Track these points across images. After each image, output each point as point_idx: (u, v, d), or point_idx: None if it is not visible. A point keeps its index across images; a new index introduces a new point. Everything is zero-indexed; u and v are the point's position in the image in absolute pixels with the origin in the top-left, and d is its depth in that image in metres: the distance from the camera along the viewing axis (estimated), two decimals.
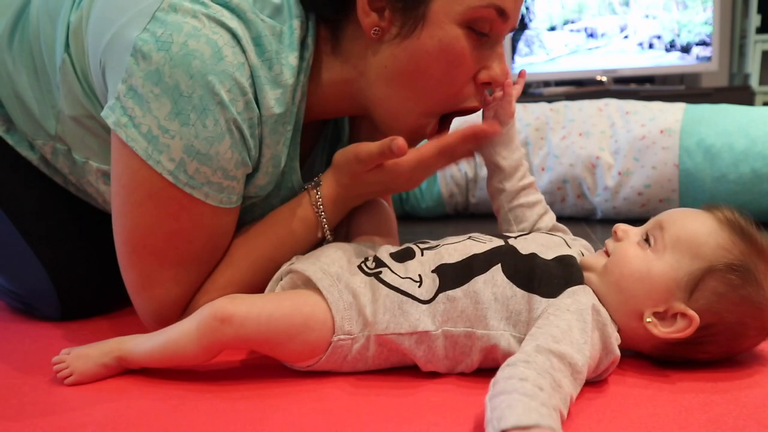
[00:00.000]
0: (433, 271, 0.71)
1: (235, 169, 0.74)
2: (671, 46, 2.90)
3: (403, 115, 0.79)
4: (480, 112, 0.85)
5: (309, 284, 0.72)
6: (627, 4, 2.89)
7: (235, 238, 0.81)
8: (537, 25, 2.96)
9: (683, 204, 1.43)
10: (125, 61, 0.69)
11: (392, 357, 0.71)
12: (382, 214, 0.89)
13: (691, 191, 1.42)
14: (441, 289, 0.69)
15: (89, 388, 0.72)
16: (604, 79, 2.92)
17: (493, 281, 0.69)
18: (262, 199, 0.82)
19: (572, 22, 2.94)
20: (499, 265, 0.70)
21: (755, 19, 3.05)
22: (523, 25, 2.94)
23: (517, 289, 0.68)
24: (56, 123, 0.84)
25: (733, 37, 3.27)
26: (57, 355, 0.73)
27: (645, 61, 2.92)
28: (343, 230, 0.88)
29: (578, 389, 0.60)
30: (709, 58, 2.88)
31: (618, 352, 0.66)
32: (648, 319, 0.67)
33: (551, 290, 0.67)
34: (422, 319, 0.68)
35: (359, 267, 0.74)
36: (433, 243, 0.78)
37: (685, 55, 2.90)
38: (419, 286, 0.70)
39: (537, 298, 0.67)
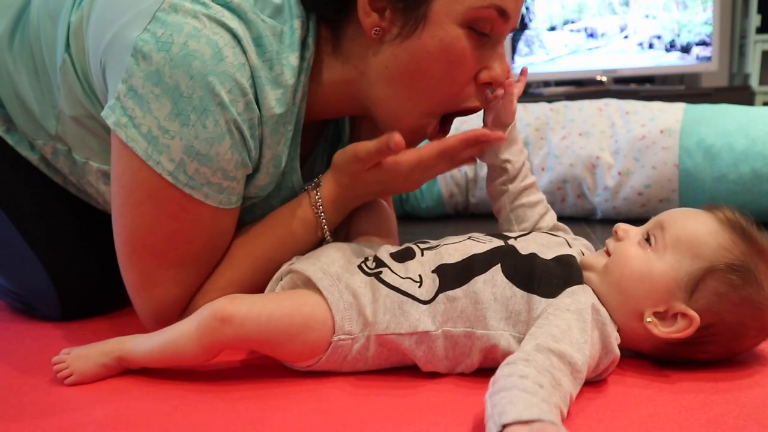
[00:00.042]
0: (433, 272, 0.71)
1: (235, 170, 0.74)
2: (671, 46, 2.90)
3: (404, 115, 0.79)
4: (481, 112, 0.85)
5: (309, 284, 0.72)
6: (627, 4, 2.89)
7: (235, 238, 0.81)
8: (537, 25, 2.96)
9: (683, 204, 1.43)
10: (125, 62, 0.69)
11: (392, 357, 0.71)
12: (381, 214, 0.89)
13: (691, 191, 1.42)
14: (441, 289, 0.69)
15: (89, 388, 0.72)
16: (604, 79, 2.92)
17: (493, 281, 0.69)
18: (262, 199, 0.82)
19: (572, 22, 2.94)
20: (499, 265, 0.70)
21: (755, 19, 3.05)
22: (523, 25, 2.94)
23: (517, 289, 0.68)
24: (57, 123, 0.84)
25: (733, 37, 3.27)
26: (57, 355, 0.73)
27: (645, 61, 2.93)
28: (343, 230, 0.88)
29: (578, 388, 0.60)
30: (709, 58, 2.88)
31: (617, 352, 0.66)
32: (648, 319, 0.67)
33: (550, 290, 0.67)
34: (422, 319, 0.68)
35: (359, 267, 0.74)
36: (433, 243, 0.78)
37: (685, 55, 2.90)
38: (419, 287, 0.70)
39: (536, 298, 0.67)
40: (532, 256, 0.71)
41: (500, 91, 0.83)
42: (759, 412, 0.61)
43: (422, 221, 1.61)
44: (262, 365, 0.75)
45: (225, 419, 0.63)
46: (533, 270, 0.69)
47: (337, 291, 0.70)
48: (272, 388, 0.70)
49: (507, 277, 0.69)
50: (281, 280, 0.76)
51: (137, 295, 0.78)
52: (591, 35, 2.94)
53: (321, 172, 0.83)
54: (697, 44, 2.88)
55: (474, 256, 0.72)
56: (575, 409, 0.61)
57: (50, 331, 0.92)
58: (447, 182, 1.59)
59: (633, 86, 2.92)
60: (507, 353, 0.64)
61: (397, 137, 0.73)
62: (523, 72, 0.89)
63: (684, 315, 0.66)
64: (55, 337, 0.89)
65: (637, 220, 0.78)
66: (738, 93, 2.70)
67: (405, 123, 0.79)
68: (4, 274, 0.95)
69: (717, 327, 0.66)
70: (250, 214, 0.83)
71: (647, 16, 2.88)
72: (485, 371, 0.68)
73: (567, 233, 0.84)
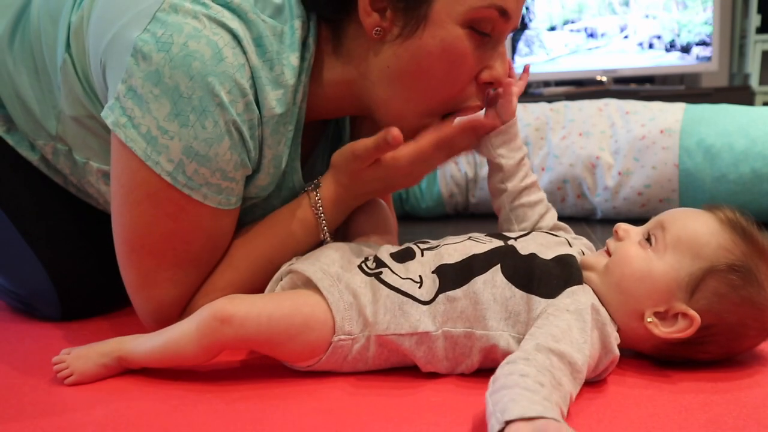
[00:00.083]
0: (433, 272, 0.71)
1: (234, 171, 0.74)
2: (671, 46, 2.90)
3: (405, 114, 0.79)
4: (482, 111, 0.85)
5: (309, 284, 0.72)
6: (627, 4, 2.89)
7: (235, 239, 0.80)
8: (537, 25, 2.96)
9: (683, 204, 1.43)
10: (125, 62, 0.69)
11: (392, 357, 0.71)
12: (380, 214, 0.89)
13: (691, 191, 1.42)
14: (441, 289, 0.69)
15: (89, 388, 0.72)
16: (604, 79, 2.92)
17: (493, 282, 0.69)
18: (263, 199, 0.82)
19: (572, 22, 2.94)
20: (499, 265, 0.70)
21: (755, 19, 3.05)
22: (523, 25, 2.94)
23: (516, 289, 0.68)
24: (57, 123, 0.84)
25: (733, 37, 3.27)
26: (57, 355, 0.73)
27: (645, 61, 2.92)
28: (341, 230, 0.88)
29: (578, 388, 0.60)
30: (709, 58, 2.88)
31: (617, 352, 0.66)
32: (649, 319, 0.67)
33: (550, 291, 0.67)
34: (422, 319, 0.68)
35: (359, 267, 0.74)
36: (433, 243, 0.78)
37: (685, 55, 2.90)
38: (420, 287, 0.70)
39: (536, 298, 0.67)
40: (532, 257, 0.71)
41: (500, 90, 0.83)
42: (759, 412, 0.61)
43: (422, 221, 1.61)
44: (262, 365, 0.75)
45: (225, 419, 0.63)
46: (533, 270, 0.69)
47: (338, 291, 0.70)
48: (272, 388, 0.70)
49: (506, 277, 0.69)
50: (281, 280, 0.76)
51: (136, 295, 0.78)
52: (591, 35, 2.94)
53: (322, 172, 0.83)
54: (697, 44, 2.88)
55: (474, 257, 0.72)
56: (575, 409, 0.61)
57: (50, 331, 0.92)
58: (447, 182, 1.59)
59: (633, 86, 2.92)
60: (507, 353, 0.64)
61: (395, 132, 0.73)
62: (526, 70, 0.89)
63: (685, 315, 0.66)
64: (55, 337, 0.89)
65: (637, 220, 0.78)
66: (738, 93, 2.70)
67: (406, 123, 0.79)
68: (4, 274, 0.95)
69: (717, 327, 0.66)
70: (250, 214, 0.83)
71: (647, 16, 2.88)
72: (485, 371, 0.68)
73: (568, 233, 0.83)
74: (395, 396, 0.67)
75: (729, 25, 3.24)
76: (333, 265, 0.73)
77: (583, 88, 2.85)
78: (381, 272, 0.72)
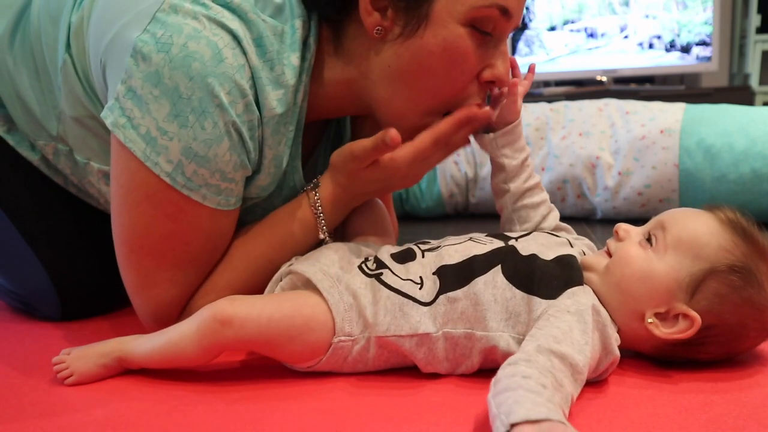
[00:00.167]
0: (434, 273, 0.71)
1: (234, 172, 0.74)
2: (671, 46, 2.90)
3: (406, 114, 0.79)
4: None
5: (309, 285, 0.72)
6: (627, 4, 2.89)
7: (235, 239, 0.80)
8: (537, 25, 2.96)
9: (683, 204, 1.43)
10: (125, 62, 0.69)
11: (393, 359, 0.71)
12: (378, 213, 0.89)
13: (691, 191, 1.42)
14: (441, 290, 0.69)
15: (89, 388, 0.71)
16: (604, 79, 2.92)
17: (494, 283, 0.69)
18: (264, 199, 0.82)
19: (572, 22, 2.94)
20: (500, 266, 0.70)
21: (755, 19, 3.05)
22: (523, 25, 2.94)
23: (517, 290, 0.68)
24: (58, 123, 0.84)
25: (733, 37, 3.27)
26: (57, 355, 0.73)
27: (645, 61, 2.92)
28: (339, 231, 0.88)
29: (579, 390, 0.60)
30: (709, 58, 2.88)
31: (618, 353, 0.66)
32: (649, 320, 0.67)
33: (551, 292, 0.67)
34: (423, 321, 0.68)
35: (359, 268, 0.74)
36: (434, 244, 0.77)
37: (685, 55, 2.90)
38: (420, 288, 0.70)
39: (536, 299, 0.67)
40: (533, 257, 0.71)
41: (504, 89, 0.83)
42: (759, 412, 0.61)
43: (422, 221, 1.61)
44: (262, 366, 0.75)
45: (225, 419, 0.63)
46: (533, 271, 0.69)
47: (338, 292, 0.70)
48: (272, 389, 0.70)
49: (507, 278, 0.69)
50: (281, 280, 0.76)
51: (136, 296, 0.78)
52: (591, 35, 2.94)
53: (322, 172, 0.83)
54: (697, 44, 2.88)
55: (474, 257, 0.71)
56: (575, 408, 0.61)
57: (50, 331, 0.92)
58: (447, 182, 1.59)
59: (633, 86, 2.92)
60: (507, 354, 0.64)
61: (392, 132, 0.73)
62: (531, 69, 0.88)
63: (685, 316, 0.66)
64: (55, 337, 0.89)
65: (637, 220, 0.78)
66: (738, 93, 2.70)
67: (407, 122, 0.79)
68: (4, 274, 0.95)
69: (718, 328, 0.66)
70: (251, 213, 0.83)
71: (647, 16, 2.88)
72: (485, 371, 0.68)
73: (570, 233, 0.83)
74: (395, 396, 0.67)
75: (729, 25, 3.24)
76: (333, 266, 0.73)
77: (583, 88, 2.85)
78: (381, 273, 0.72)
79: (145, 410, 0.66)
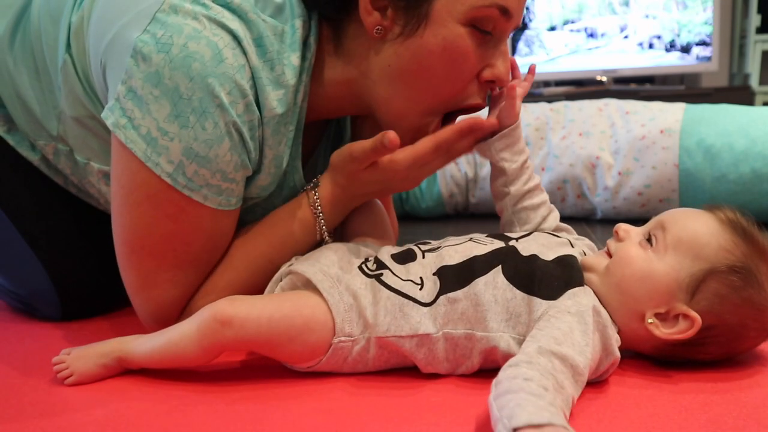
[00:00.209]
0: (434, 274, 0.71)
1: (234, 172, 0.74)
2: (671, 46, 2.90)
3: (406, 113, 0.79)
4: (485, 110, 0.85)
5: (309, 285, 0.72)
6: (627, 4, 2.89)
7: (235, 239, 0.80)
8: (537, 25, 2.96)
9: (683, 204, 1.43)
10: (125, 62, 0.69)
11: (393, 359, 0.71)
12: (377, 215, 0.89)
13: (691, 191, 1.42)
14: (442, 291, 0.69)
15: (89, 388, 0.71)
16: (604, 79, 2.92)
17: (494, 283, 0.69)
18: (264, 199, 0.82)
19: (572, 22, 2.94)
20: (500, 266, 0.70)
21: (755, 19, 3.05)
22: (523, 25, 2.94)
23: (517, 291, 0.68)
24: (58, 124, 0.84)
25: (733, 37, 3.27)
26: (57, 355, 0.73)
27: (645, 61, 2.92)
28: (338, 231, 0.88)
29: (579, 391, 0.60)
30: (709, 58, 2.88)
31: (618, 354, 0.66)
32: (649, 320, 0.67)
33: (551, 292, 0.67)
34: (423, 321, 0.68)
35: (360, 268, 0.74)
36: (434, 244, 0.77)
37: (685, 55, 2.90)
38: (420, 289, 0.70)
39: (537, 300, 0.67)
40: (533, 258, 0.71)
41: (504, 90, 0.82)
42: (759, 412, 0.61)
43: (422, 221, 1.61)
44: (262, 366, 0.75)
45: (225, 419, 0.63)
46: (534, 272, 0.69)
47: (338, 293, 0.70)
48: (272, 389, 0.70)
49: (507, 278, 0.69)
50: (281, 281, 0.76)
51: (136, 296, 0.78)
52: (591, 35, 2.94)
53: (323, 172, 0.83)
54: (697, 44, 2.88)
55: (475, 258, 0.71)
56: (576, 409, 0.61)
57: (50, 331, 0.92)
58: (447, 182, 1.59)
59: (633, 86, 2.92)
60: (507, 355, 0.64)
61: (391, 135, 0.73)
62: (531, 70, 0.88)
63: (685, 316, 0.66)
64: (55, 337, 0.89)
65: (637, 220, 0.78)
66: (738, 93, 2.70)
67: (407, 122, 0.79)
68: (4, 274, 0.95)
69: (718, 328, 0.66)
70: (251, 213, 0.83)
71: (647, 16, 2.88)
72: (485, 372, 0.68)
73: (570, 233, 0.83)
74: (395, 396, 0.67)
75: (729, 25, 3.24)
76: (333, 267, 0.73)
77: (583, 88, 2.85)
78: (381, 274, 0.72)
79: (145, 410, 0.66)
